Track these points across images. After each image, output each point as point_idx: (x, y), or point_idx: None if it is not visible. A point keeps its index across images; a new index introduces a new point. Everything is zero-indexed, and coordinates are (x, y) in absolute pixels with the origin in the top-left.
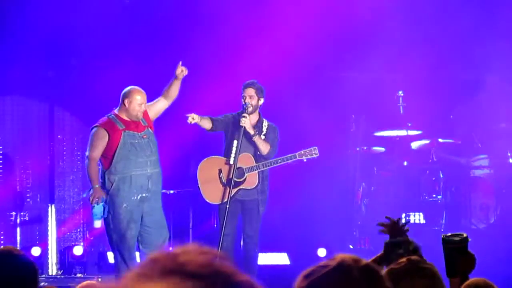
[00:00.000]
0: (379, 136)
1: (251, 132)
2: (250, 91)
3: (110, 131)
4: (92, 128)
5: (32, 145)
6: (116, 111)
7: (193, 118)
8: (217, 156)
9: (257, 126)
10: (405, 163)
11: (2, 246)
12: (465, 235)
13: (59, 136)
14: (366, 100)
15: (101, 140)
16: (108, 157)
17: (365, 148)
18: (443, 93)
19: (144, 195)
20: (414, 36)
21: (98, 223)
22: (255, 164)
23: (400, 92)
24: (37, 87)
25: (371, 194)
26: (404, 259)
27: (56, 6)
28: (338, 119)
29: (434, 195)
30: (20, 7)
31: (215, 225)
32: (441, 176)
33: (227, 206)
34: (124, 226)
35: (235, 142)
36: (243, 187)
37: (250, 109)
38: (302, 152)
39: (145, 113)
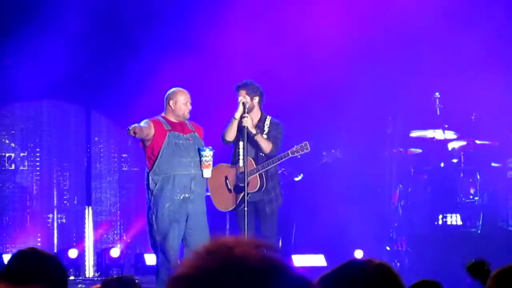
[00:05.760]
0: (416, 137)
1: (253, 131)
2: (242, 93)
3: (156, 127)
4: None
5: (69, 148)
6: (162, 114)
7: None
8: (223, 164)
9: (258, 126)
10: (442, 165)
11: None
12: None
13: (96, 138)
14: (403, 101)
15: (148, 127)
16: (152, 158)
17: (401, 149)
18: (480, 94)
19: (187, 195)
20: (450, 37)
21: (207, 173)
22: (255, 166)
23: (437, 94)
24: (74, 89)
25: (407, 195)
26: None
27: (93, 8)
28: (375, 120)
29: (471, 197)
30: (58, 10)
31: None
32: (478, 177)
33: (246, 208)
34: (166, 226)
35: (240, 143)
36: (248, 191)
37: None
38: (294, 149)
39: (196, 126)
